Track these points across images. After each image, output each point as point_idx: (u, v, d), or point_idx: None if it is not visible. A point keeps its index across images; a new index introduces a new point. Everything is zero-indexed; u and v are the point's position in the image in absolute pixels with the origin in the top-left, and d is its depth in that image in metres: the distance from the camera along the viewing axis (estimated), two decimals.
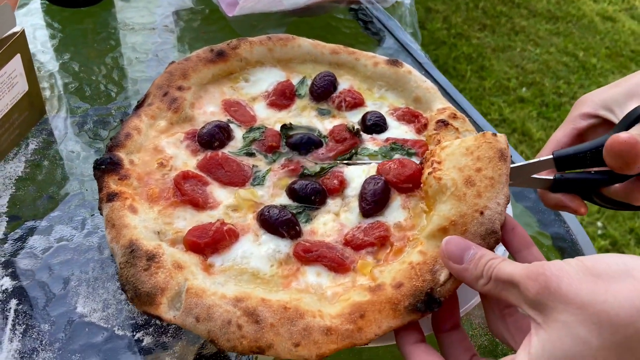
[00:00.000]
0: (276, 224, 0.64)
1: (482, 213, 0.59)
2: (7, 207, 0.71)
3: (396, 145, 0.75)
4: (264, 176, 0.71)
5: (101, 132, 0.84)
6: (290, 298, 0.57)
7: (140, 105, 0.77)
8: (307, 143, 0.76)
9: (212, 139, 0.73)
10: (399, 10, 1.14)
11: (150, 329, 0.62)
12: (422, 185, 0.66)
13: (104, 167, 0.66)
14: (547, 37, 3.38)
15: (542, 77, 3.12)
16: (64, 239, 0.69)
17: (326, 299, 0.59)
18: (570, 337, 0.43)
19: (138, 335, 0.61)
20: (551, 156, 0.64)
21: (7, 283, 0.64)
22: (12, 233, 0.69)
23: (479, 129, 0.93)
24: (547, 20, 3.50)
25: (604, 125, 0.66)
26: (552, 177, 0.65)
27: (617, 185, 0.61)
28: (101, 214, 0.68)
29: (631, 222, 2.53)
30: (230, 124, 0.77)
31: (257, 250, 0.63)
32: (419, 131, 0.79)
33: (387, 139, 0.77)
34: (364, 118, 0.79)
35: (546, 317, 0.45)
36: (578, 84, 3.11)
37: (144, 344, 0.60)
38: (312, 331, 0.53)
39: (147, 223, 0.63)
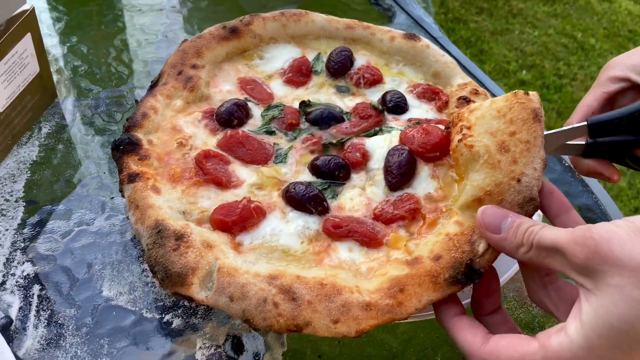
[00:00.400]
0: (303, 200, 0.62)
1: (519, 180, 0.56)
2: (23, 192, 0.69)
3: (419, 124, 0.72)
4: (286, 154, 0.69)
5: (115, 114, 0.81)
6: (325, 274, 0.55)
7: (154, 85, 0.74)
8: (327, 117, 0.73)
9: (231, 117, 0.71)
10: None
11: (179, 311, 0.60)
12: (451, 153, 0.62)
13: (122, 147, 0.64)
14: (545, 19, 3.35)
15: (542, 59, 3.10)
16: (84, 222, 0.67)
17: (361, 274, 0.57)
18: (626, 301, 0.41)
19: (167, 317, 0.59)
20: (585, 123, 0.61)
21: (28, 269, 0.61)
22: (30, 218, 0.66)
23: None
24: (544, 3, 3.47)
25: (634, 89, 0.64)
26: (584, 143, 0.63)
27: None
28: (122, 196, 0.65)
29: (635, 201, 2.52)
30: (247, 102, 0.74)
31: (286, 227, 0.60)
32: (440, 109, 0.77)
33: (410, 119, 0.74)
34: (384, 98, 0.76)
35: (597, 282, 0.43)
36: (578, 65, 3.09)
37: (173, 326, 0.58)
38: (351, 307, 0.51)
39: (172, 203, 0.60)
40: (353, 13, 1.09)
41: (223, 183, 0.64)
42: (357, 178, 0.67)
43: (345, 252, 0.59)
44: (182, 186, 0.63)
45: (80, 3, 0.99)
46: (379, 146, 0.68)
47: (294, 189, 0.63)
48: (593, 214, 0.77)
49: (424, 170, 0.64)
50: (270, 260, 0.57)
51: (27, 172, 0.71)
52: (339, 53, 0.82)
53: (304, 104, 0.75)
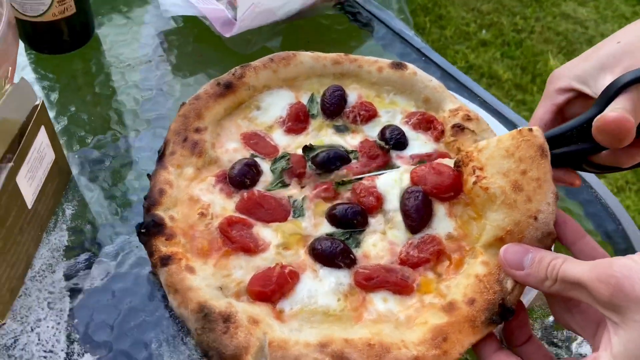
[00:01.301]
0: (331, 256, 0.64)
1: (535, 218, 0.60)
2: (64, 281, 0.71)
3: (423, 162, 0.75)
4: (302, 206, 0.71)
5: (132, 183, 0.83)
6: (370, 333, 0.58)
7: (162, 155, 0.75)
8: (334, 158, 0.75)
9: (243, 178, 0.72)
10: (385, 1, 1.13)
11: None
12: (466, 193, 0.66)
13: (148, 230, 0.65)
14: None
15: (499, 17, 3.13)
16: (129, 302, 0.70)
17: (401, 324, 0.60)
18: None
19: None
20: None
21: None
22: (76, 306, 0.69)
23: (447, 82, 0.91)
24: None
25: (580, 97, 0.67)
26: None
27: (604, 152, 0.63)
28: (156, 279, 0.68)
29: None
30: (255, 159, 0.76)
31: (320, 286, 0.63)
32: (437, 139, 0.79)
33: (412, 156, 0.77)
34: (383, 134, 0.79)
35: (623, 317, 0.46)
36: (534, 17, 3.13)
37: None
38: None
39: (208, 281, 0.62)
40: (336, 33, 1.10)
41: (251, 249, 0.66)
42: (375, 222, 0.69)
43: (381, 303, 0.62)
44: (213, 260, 0.65)
45: (69, 67, 0.97)
46: (391, 186, 0.71)
47: (320, 245, 0.66)
48: (595, 208, 0.81)
49: (441, 210, 0.67)
50: (313, 324, 0.60)
51: (62, 259, 0.73)
52: (332, 94, 0.83)
53: (307, 149, 0.77)
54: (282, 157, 0.77)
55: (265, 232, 0.69)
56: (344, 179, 0.74)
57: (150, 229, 0.65)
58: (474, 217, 0.66)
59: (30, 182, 0.68)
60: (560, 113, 0.69)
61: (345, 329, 0.60)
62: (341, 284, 0.64)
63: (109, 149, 0.86)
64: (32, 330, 0.66)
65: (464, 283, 0.61)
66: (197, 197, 0.71)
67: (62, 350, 0.64)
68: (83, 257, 0.73)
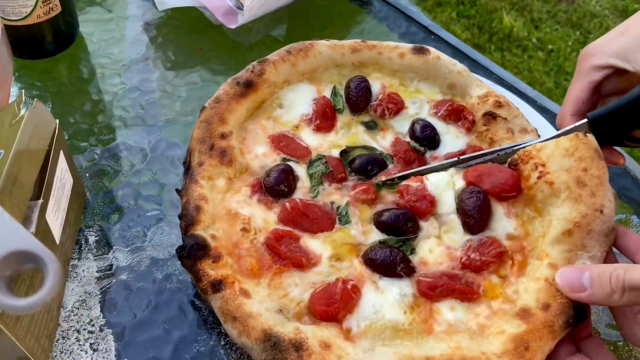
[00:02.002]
0: (391, 265, 0.61)
1: (601, 212, 0.59)
2: (103, 318, 0.65)
3: (459, 160, 0.71)
4: (346, 212, 0.67)
5: (159, 201, 0.76)
6: (449, 347, 0.55)
7: (188, 167, 0.69)
8: (371, 163, 0.71)
9: (281, 186, 0.67)
10: None
11: None
12: (526, 190, 0.64)
13: (192, 253, 0.60)
14: None
15: None
16: (179, 332, 0.64)
17: (475, 333, 0.58)
18: None
19: None
20: (585, 120, 0.65)
21: None
22: (122, 345, 0.63)
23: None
24: None
25: (617, 73, 0.66)
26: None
27: None
28: (201, 302, 0.63)
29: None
30: (288, 163, 0.71)
31: (384, 299, 0.60)
32: (468, 130, 0.76)
33: (445, 155, 0.74)
34: (413, 130, 0.75)
35: None
36: None
37: None
38: None
39: (266, 304, 0.58)
40: (337, 14, 1.03)
41: (304, 264, 0.62)
42: (428, 226, 0.66)
43: (449, 312, 0.60)
44: (265, 279, 0.61)
45: (52, 70, 0.87)
46: (443, 189, 0.68)
47: (376, 255, 0.62)
48: (632, 193, 0.80)
49: (499, 210, 0.65)
50: (385, 341, 0.57)
51: (96, 292, 0.67)
52: (357, 86, 0.78)
53: (345, 152, 0.73)
54: (318, 159, 0.72)
55: (314, 244, 0.65)
56: (386, 180, 0.71)
57: (194, 252, 0.60)
58: (534, 217, 0.64)
59: (56, 215, 0.60)
60: (596, 90, 0.68)
61: (419, 344, 0.58)
62: (405, 295, 0.61)
63: (121, 163, 0.78)
64: None
65: (533, 287, 0.59)
66: (235, 211, 0.66)
67: None
68: (117, 287, 0.67)
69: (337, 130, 0.77)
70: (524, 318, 0.57)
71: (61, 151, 0.62)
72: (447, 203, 0.67)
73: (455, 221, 0.66)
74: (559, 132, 0.67)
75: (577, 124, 0.65)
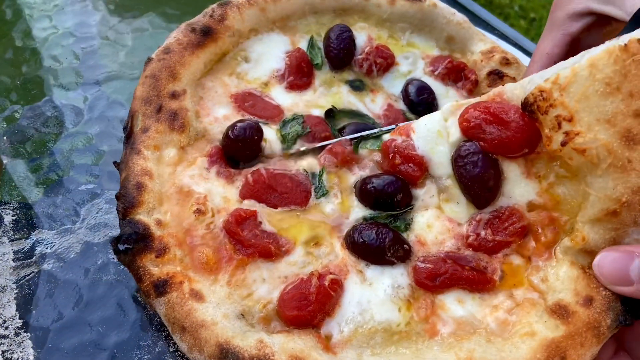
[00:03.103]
0: (380, 250, 0.48)
1: None
2: (19, 318, 0.51)
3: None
4: (321, 180, 0.54)
5: (91, 170, 0.62)
6: (457, 357, 0.44)
7: (130, 133, 0.54)
8: (361, 130, 0.58)
9: (244, 146, 0.54)
10: None
11: None
12: (550, 154, 0.48)
13: (130, 247, 0.47)
14: None
15: None
16: (116, 337, 0.52)
17: (494, 334, 0.46)
18: None
19: None
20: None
21: None
22: (44, 353, 0.50)
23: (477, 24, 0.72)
24: None
25: (598, 23, 0.55)
26: None
27: None
28: (149, 307, 0.51)
29: None
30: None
31: (373, 294, 0.47)
32: (470, 92, 0.64)
33: None
34: (407, 94, 0.63)
35: None
36: None
37: None
38: None
39: (224, 308, 0.46)
40: None
41: (272, 252, 0.49)
42: (424, 195, 0.53)
43: (456, 306, 0.47)
44: (224, 274, 0.48)
45: None
46: (434, 143, 0.53)
47: (362, 237, 0.49)
48: None
49: (513, 169, 0.50)
50: (375, 349, 0.45)
51: (12, 286, 0.53)
52: (338, 37, 0.64)
53: (331, 113, 0.61)
54: (294, 119, 0.59)
55: (285, 225, 0.52)
56: (365, 135, 0.57)
57: (133, 245, 0.47)
58: (566, 176, 0.48)
59: None
60: (573, 46, 0.56)
61: (420, 353, 0.45)
62: (399, 287, 0.48)
63: (48, 125, 0.63)
64: None
65: (568, 275, 0.47)
66: (188, 188, 0.52)
67: None
68: (40, 279, 0.53)
69: (316, 89, 0.64)
70: (561, 317, 0.45)
71: None
72: (442, 163, 0.53)
73: (456, 187, 0.52)
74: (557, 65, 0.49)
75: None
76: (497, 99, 0.50)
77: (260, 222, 0.51)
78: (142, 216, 0.49)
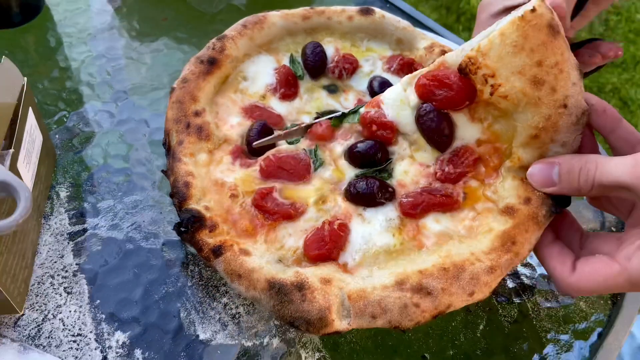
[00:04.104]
0: (371, 195, 0.64)
1: (565, 106, 0.57)
2: (76, 264, 0.68)
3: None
4: (316, 153, 0.70)
5: (124, 156, 0.79)
6: (440, 257, 0.59)
7: (168, 147, 0.71)
8: None
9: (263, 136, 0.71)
10: None
11: (273, 331, 0.65)
12: (483, 102, 0.62)
13: (189, 227, 0.62)
14: None
15: None
16: (148, 276, 0.68)
17: (465, 236, 0.62)
18: None
19: (265, 340, 0.64)
20: None
21: (121, 337, 0.63)
22: (95, 288, 0.67)
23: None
24: None
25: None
26: None
27: None
28: (212, 269, 0.65)
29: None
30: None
31: (372, 228, 0.63)
32: None
33: None
34: (372, 88, 0.79)
35: None
36: None
37: (274, 346, 0.64)
38: (479, 276, 0.57)
39: (266, 257, 0.61)
40: None
41: (292, 214, 0.65)
42: (398, 149, 0.69)
43: (434, 224, 0.63)
44: (261, 235, 0.64)
45: (19, 39, 0.87)
46: (400, 109, 0.68)
47: (356, 188, 0.65)
48: None
49: (461, 118, 0.65)
50: (380, 264, 0.61)
51: (68, 242, 0.70)
52: (312, 51, 0.81)
53: (317, 118, 0.76)
54: (292, 126, 0.75)
55: (298, 193, 0.68)
56: (339, 113, 0.73)
57: (191, 225, 0.62)
58: (499, 115, 0.63)
59: (27, 168, 0.63)
60: None
61: (413, 260, 0.61)
62: (391, 219, 0.64)
63: (89, 124, 0.81)
64: (54, 317, 0.63)
65: (511, 185, 0.62)
66: (221, 180, 0.68)
67: (91, 332, 0.63)
68: (90, 237, 0.70)
69: (302, 96, 0.80)
70: (509, 214, 0.61)
71: (30, 108, 0.65)
72: (408, 123, 0.68)
73: (422, 139, 0.67)
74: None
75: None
76: (441, 67, 0.65)
77: (278, 195, 0.67)
78: (193, 205, 0.64)
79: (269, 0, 0.94)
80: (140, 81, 0.87)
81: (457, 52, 0.65)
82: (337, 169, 0.69)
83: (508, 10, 0.66)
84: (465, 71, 0.61)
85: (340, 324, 0.56)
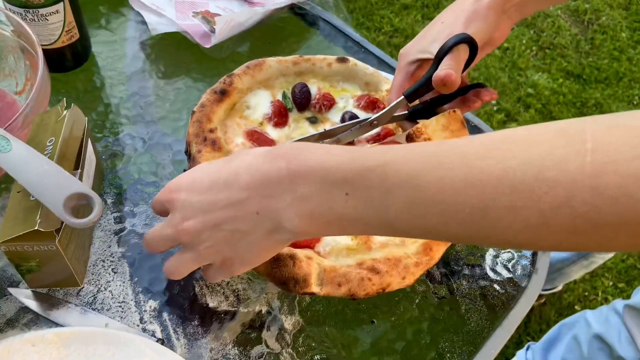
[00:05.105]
0: None
1: None
2: (120, 252, 0.93)
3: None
4: None
5: (154, 170, 1.03)
6: (384, 254, 0.84)
7: (189, 154, 0.94)
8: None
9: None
10: (325, 5, 1.34)
11: (263, 302, 0.88)
12: None
13: None
14: None
15: None
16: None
17: (399, 245, 0.85)
18: None
19: (256, 308, 0.88)
20: (403, 97, 0.87)
21: (153, 304, 0.87)
22: (134, 269, 0.91)
23: (382, 67, 1.20)
24: None
25: (423, 64, 0.92)
26: (406, 112, 0.95)
27: (447, 104, 0.91)
28: None
29: (517, 92, 2.97)
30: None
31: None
32: None
33: (367, 139, 1.01)
34: (343, 120, 1.03)
35: None
36: None
37: (263, 312, 0.87)
38: (409, 267, 0.82)
39: None
40: (290, 33, 1.28)
41: None
42: None
43: (379, 237, 0.87)
44: None
45: (72, 82, 1.13)
46: None
47: None
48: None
49: None
50: (344, 256, 0.85)
51: (113, 236, 0.94)
52: (300, 90, 1.05)
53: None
54: None
55: None
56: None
57: None
58: None
59: (87, 182, 0.87)
60: (413, 78, 0.95)
61: (366, 254, 0.86)
62: None
63: (127, 148, 1.06)
64: (105, 289, 0.87)
65: None
66: None
67: (132, 300, 0.87)
68: (129, 233, 0.94)
69: (290, 125, 1.04)
70: None
71: (89, 139, 0.90)
72: None
73: None
74: (387, 108, 0.89)
75: (397, 100, 0.87)
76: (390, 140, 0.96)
77: None
78: None
79: (267, 48, 1.18)
80: (165, 114, 1.11)
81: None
82: None
83: (420, 60, 0.90)
84: (412, 135, 0.88)
85: (315, 288, 0.79)
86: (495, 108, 2.96)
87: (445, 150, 0.46)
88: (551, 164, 0.39)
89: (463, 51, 0.77)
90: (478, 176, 0.42)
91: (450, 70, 0.75)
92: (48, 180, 0.69)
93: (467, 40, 0.76)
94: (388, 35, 3.25)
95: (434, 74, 0.78)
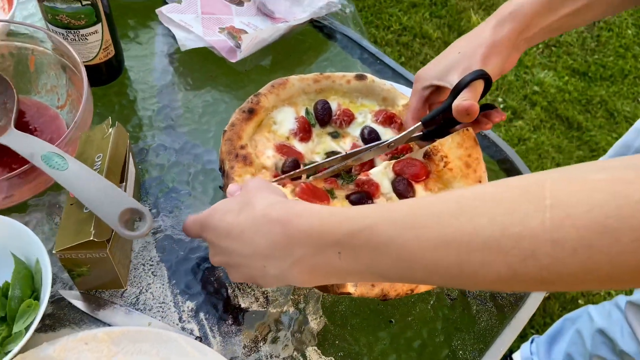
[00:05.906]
0: None
1: (480, 181, 0.89)
2: (158, 257, 1.01)
3: (395, 158, 1.05)
4: (332, 191, 1.00)
5: (189, 178, 1.11)
6: None
7: (223, 171, 1.01)
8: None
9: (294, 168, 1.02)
10: (343, 19, 1.41)
11: (290, 302, 0.95)
12: (436, 174, 0.95)
13: None
14: None
15: None
16: (206, 265, 1.01)
17: None
18: None
19: (284, 308, 0.96)
20: (420, 123, 0.92)
21: (190, 304, 0.95)
22: (171, 273, 0.99)
23: (397, 78, 1.26)
24: None
25: (439, 89, 0.98)
26: (421, 133, 0.96)
27: (459, 124, 0.92)
28: None
29: (523, 90, 3.03)
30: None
31: None
32: (399, 129, 1.12)
33: (386, 154, 1.06)
34: (363, 135, 1.09)
35: None
36: None
37: (290, 312, 0.95)
38: (397, 285, 0.87)
39: None
40: (310, 45, 1.35)
41: None
42: (379, 202, 0.97)
43: None
44: None
45: (107, 95, 1.20)
46: (381, 178, 1.00)
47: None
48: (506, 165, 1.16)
49: (419, 188, 0.97)
50: None
51: (152, 241, 1.02)
52: (322, 107, 1.12)
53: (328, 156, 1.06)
54: (310, 163, 1.05)
55: None
56: (343, 173, 1.05)
57: None
58: (442, 187, 0.92)
59: (129, 192, 0.96)
60: (428, 102, 1.02)
61: None
62: None
63: (161, 158, 1.14)
64: (146, 291, 0.95)
65: None
66: None
67: (171, 301, 0.95)
68: (166, 238, 1.02)
69: (314, 140, 1.11)
70: None
71: (130, 153, 0.98)
72: (386, 187, 0.99)
73: (395, 198, 0.98)
74: (406, 132, 0.94)
75: (414, 126, 0.92)
76: (408, 159, 1.01)
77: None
78: None
79: (288, 61, 1.25)
80: (195, 126, 1.19)
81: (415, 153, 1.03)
82: (343, 204, 0.99)
83: (434, 86, 0.96)
84: (429, 154, 0.93)
85: (351, 289, 0.84)
86: (501, 106, 3.02)
87: (421, 209, 0.48)
88: (516, 220, 0.41)
89: (479, 86, 0.84)
90: (452, 234, 0.45)
91: (473, 101, 0.80)
92: (104, 196, 0.77)
93: (484, 77, 0.84)
94: (397, 33, 3.32)
95: (457, 103, 0.82)
